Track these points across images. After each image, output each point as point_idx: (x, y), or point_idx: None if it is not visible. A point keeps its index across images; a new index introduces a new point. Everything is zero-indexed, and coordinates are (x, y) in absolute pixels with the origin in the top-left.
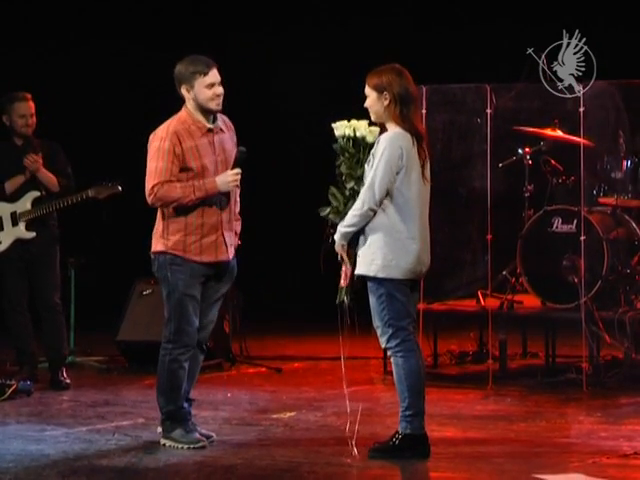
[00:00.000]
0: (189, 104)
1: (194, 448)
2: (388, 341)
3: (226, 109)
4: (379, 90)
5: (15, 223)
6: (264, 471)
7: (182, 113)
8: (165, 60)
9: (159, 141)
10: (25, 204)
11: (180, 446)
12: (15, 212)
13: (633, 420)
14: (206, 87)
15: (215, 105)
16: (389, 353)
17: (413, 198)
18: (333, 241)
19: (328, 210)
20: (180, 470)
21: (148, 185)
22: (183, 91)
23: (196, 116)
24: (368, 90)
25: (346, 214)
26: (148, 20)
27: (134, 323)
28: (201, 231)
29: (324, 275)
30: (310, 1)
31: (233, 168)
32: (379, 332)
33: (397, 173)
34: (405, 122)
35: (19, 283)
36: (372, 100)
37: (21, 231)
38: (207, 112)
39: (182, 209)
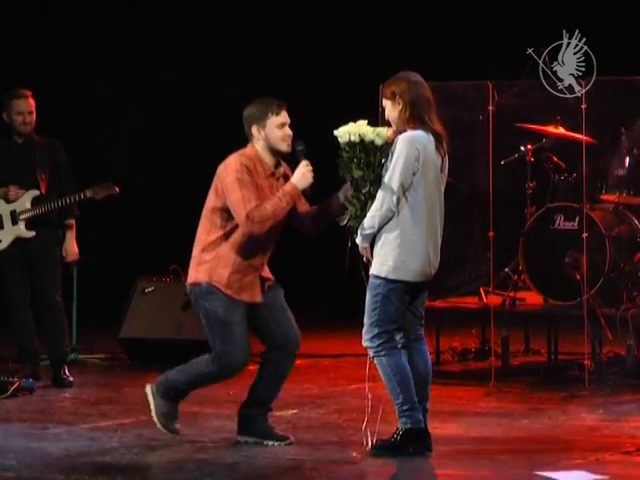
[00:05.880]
0: (257, 144)
1: (162, 427)
2: (371, 340)
3: (230, 109)
4: (392, 97)
5: (15, 222)
6: (266, 469)
7: (248, 150)
8: (163, 60)
9: (234, 173)
10: (24, 203)
11: (153, 414)
12: (15, 211)
13: (635, 417)
14: (277, 127)
15: (286, 146)
16: (371, 353)
17: (428, 199)
18: (354, 243)
19: (347, 218)
20: (183, 467)
21: (241, 216)
22: (254, 131)
23: (262, 156)
24: (384, 101)
25: (365, 217)
26: (149, 18)
27: (136, 320)
28: (245, 270)
29: (327, 274)
30: (310, 2)
31: (299, 163)
32: (364, 329)
33: (413, 174)
34: (418, 123)
35: (21, 281)
36: (388, 109)
37: (21, 230)
38: (275, 153)
39: (234, 246)
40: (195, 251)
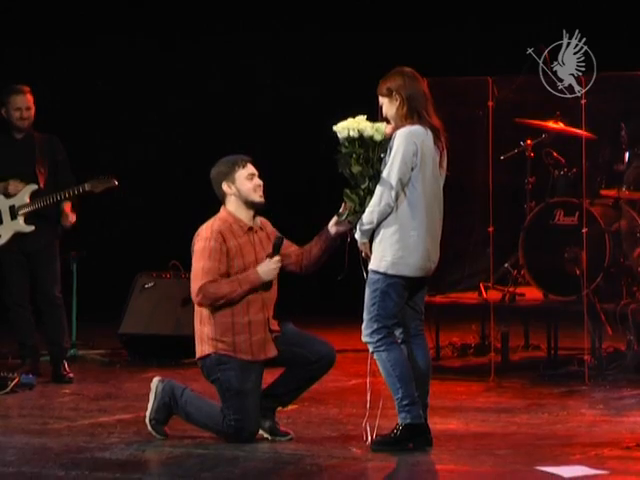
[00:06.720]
0: (230, 202)
1: (150, 428)
2: (370, 335)
3: (230, 108)
4: (388, 94)
5: (14, 217)
6: (267, 464)
7: (222, 213)
8: (163, 58)
9: (204, 241)
10: (23, 197)
11: (147, 412)
12: (14, 205)
13: (635, 412)
14: (246, 178)
15: (258, 197)
16: (370, 349)
17: (426, 194)
18: (353, 239)
19: (346, 213)
20: (183, 462)
21: (195, 286)
22: (225, 188)
23: (237, 215)
24: (380, 98)
25: (364, 213)
26: (150, 16)
27: (136, 316)
28: (249, 329)
29: (326, 270)
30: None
31: (272, 256)
32: (363, 325)
33: (412, 169)
34: (416, 118)
35: (20, 277)
36: (386, 106)
37: (20, 225)
38: (250, 206)
39: (228, 310)
40: (195, 324)
